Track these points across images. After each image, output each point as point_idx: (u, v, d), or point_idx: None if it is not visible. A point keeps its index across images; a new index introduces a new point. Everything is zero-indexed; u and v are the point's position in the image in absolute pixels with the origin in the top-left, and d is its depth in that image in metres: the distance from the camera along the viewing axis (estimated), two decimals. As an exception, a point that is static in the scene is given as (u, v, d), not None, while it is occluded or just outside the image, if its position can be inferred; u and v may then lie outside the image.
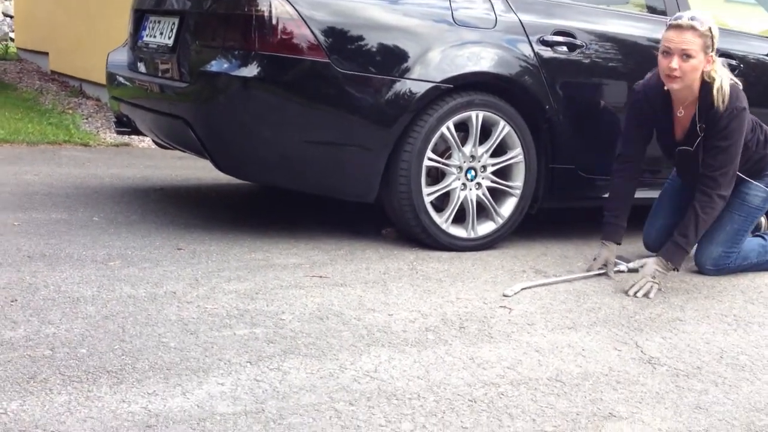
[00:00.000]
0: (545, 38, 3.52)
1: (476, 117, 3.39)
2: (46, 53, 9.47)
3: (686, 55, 2.98)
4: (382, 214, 3.52)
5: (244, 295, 2.66)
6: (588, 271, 3.24)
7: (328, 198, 3.70)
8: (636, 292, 3.00)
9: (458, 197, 3.42)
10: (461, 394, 2.07)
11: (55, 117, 6.74)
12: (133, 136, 6.05)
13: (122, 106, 4.04)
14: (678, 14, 3.12)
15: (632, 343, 2.53)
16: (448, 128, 3.34)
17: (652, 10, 4.00)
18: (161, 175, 4.92)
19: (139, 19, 3.94)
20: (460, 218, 3.46)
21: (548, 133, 3.56)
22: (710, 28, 2.98)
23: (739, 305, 3.01)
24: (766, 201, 3.39)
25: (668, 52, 3.01)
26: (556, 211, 3.99)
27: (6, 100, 7.42)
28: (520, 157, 3.50)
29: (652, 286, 3.03)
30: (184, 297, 2.61)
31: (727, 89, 3.03)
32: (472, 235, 3.48)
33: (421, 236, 3.42)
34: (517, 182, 3.53)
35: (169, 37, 3.55)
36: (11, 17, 12.75)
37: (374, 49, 3.27)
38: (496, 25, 3.44)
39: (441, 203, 3.45)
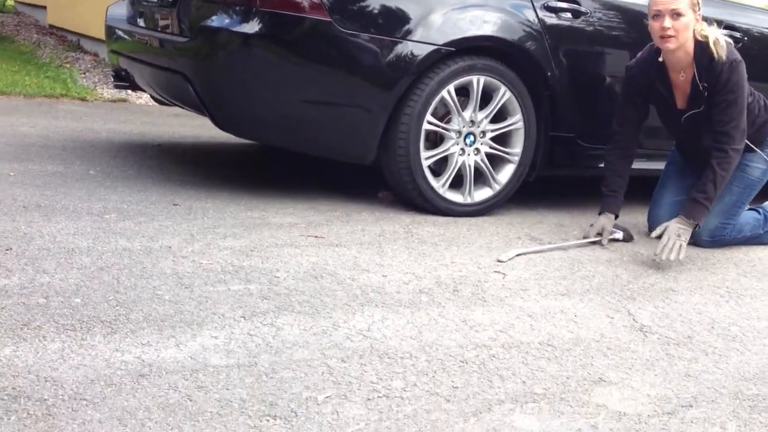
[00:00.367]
0: (549, 4, 3.49)
1: (477, 82, 3.37)
2: (44, 7, 9.38)
3: (676, 14, 3.02)
4: (380, 176, 3.51)
5: (239, 252, 2.66)
6: (584, 238, 3.25)
7: (326, 159, 3.69)
8: (665, 254, 2.99)
9: (456, 162, 3.41)
10: (453, 355, 2.08)
11: (53, 71, 6.70)
12: (131, 93, 6.03)
13: (121, 60, 4.01)
14: None
15: (624, 311, 2.54)
16: (448, 92, 3.33)
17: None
18: (158, 132, 4.90)
19: (140, -28, 3.90)
20: (457, 183, 3.46)
21: (549, 100, 3.54)
22: None
23: (732, 277, 3.02)
24: (766, 173, 3.39)
25: (658, 15, 3.05)
26: (553, 179, 3.98)
27: (3, 53, 7.36)
28: (520, 124, 3.49)
29: (680, 246, 3.03)
30: (179, 252, 2.61)
31: (722, 42, 3.07)
32: (469, 201, 3.48)
33: (417, 200, 3.41)
34: (516, 149, 3.52)
35: (170, -9, 3.52)
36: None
37: (376, 10, 3.24)
38: (500, -12, 3.41)
39: (439, 168, 3.45)
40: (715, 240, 3.40)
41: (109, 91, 6.24)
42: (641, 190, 3.65)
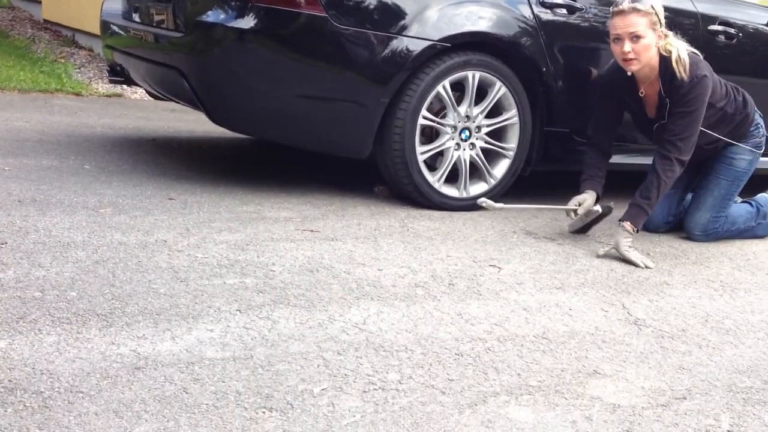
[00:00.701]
0: (545, 0, 3.49)
1: (473, 77, 3.37)
2: (39, 2, 9.35)
3: (635, 37, 3.01)
4: (375, 171, 3.52)
5: (234, 246, 2.67)
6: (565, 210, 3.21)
7: (321, 154, 3.70)
8: (643, 265, 2.97)
9: (452, 157, 3.42)
10: (448, 347, 2.09)
11: (47, 66, 6.68)
12: (125, 88, 6.02)
13: (116, 55, 4.01)
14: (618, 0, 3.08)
15: (619, 304, 2.55)
16: (444, 87, 3.33)
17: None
18: (153, 126, 4.89)
19: (135, -34, 3.89)
20: (452, 178, 3.46)
21: (544, 95, 3.55)
22: (652, 6, 3.01)
23: (726, 271, 3.04)
24: (752, 163, 3.42)
25: (618, 38, 3.05)
26: (548, 174, 3.99)
27: (-2, 48, 7.34)
28: (515, 119, 3.50)
29: (637, 256, 3.00)
30: (174, 245, 2.61)
31: (685, 58, 3.06)
32: (464, 195, 3.49)
33: (413, 194, 3.42)
34: (511, 144, 3.53)
35: (165, -14, 3.51)
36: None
37: (372, 6, 3.24)
38: (495, -16, 3.42)
39: (434, 162, 3.45)
40: (708, 234, 3.42)
41: (104, 86, 6.23)
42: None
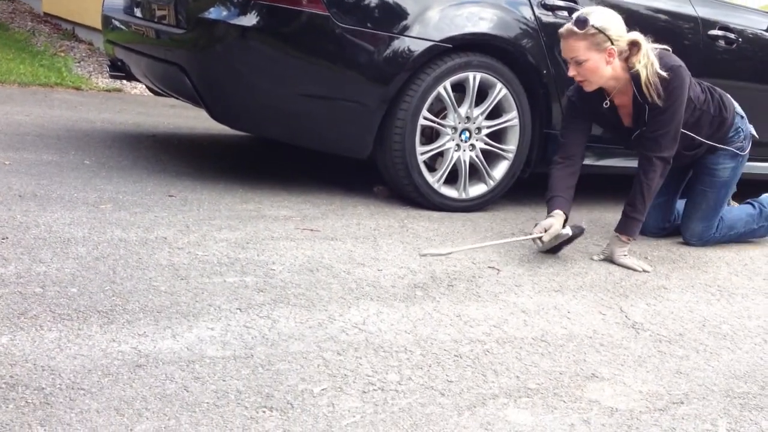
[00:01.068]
0: (546, 2, 3.51)
1: (473, 78, 3.38)
2: (39, -6, 9.34)
3: (577, 62, 2.89)
4: (375, 171, 3.52)
5: (234, 244, 2.67)
6: (527, 234, 3.04)
7: (322, 153, 3.70)
8: (639, 269, 2.98)
9: (451, 158, 3.42)
10: (447, 349, 2.09)
11: (47, 59, 6.67)
12: (125, 83, 6.02)
13: (117, 50, 4.01)
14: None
15: (617, 308, 2.56)
16: (444, 88, 3.34)
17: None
18: (153, 122, 4.89)
19: (137, -38, 3.89)
20: (452, 179, 3.47)
21: (544, 98, 3.56)
22: (594, 26, 2.84)
23: (723, 276, 3.05)
24: (736, 169, 3.33)
25: (566, 61, 2.96)
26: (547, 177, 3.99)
27: (-3, 40, 7.33)
28: (515, 121, 3.51)
29: (633, 262, 3.01)
30: (175, 243, 2.61)
31: (654, 79, 2.90)
32: (464, 196, 3.50)
33: (412, 195, 3.43)
34: (511, 146, 3.54)
35: (168, -18, 3.51)
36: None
37: (374, 5, 3.25)
38: (497, -15, 3.42)
39: (434, 163, 3.46)
40: (706, 241, 3.43)
41: (104, 81, 6.23)
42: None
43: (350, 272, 2.55)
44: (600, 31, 2.86)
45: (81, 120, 4.63)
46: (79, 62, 6.85)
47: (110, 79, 6.00)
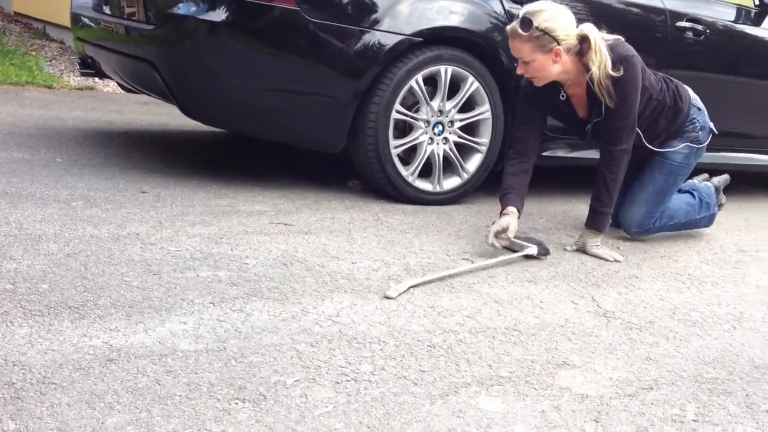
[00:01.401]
0: (517, -5, 3.52)
1: (445, 72, 3.39)
2: (9, -7, 9.23)
3: (524, 62, 2.86)
4: (349, 165, 3.53)
5: (208, 239, 2.67)
6: (489, 244, 2.89)
7: (295, 147, 3.70)
8: (611, 259, 3.00)
9: (425, 151, 3.44)
10: (421, 339, 2.11)
11: (18, 58, 6.61)
12: (97, 81, 5.98)
13: (87, 47, 3.99)
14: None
15: (589, 297, 2.58)
16: (416, 82, 3.35)
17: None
18: (125, 120, 4.86)
19: (107, -42, 3.86)
20: (426, 172, 3.48)
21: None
22: (538, 28, 2.77)
23: (694, 265, 3.09)
24: (690, 157, 3.26)
25: (516, 59, 2.94)
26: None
27: (-34, 39, 7.25)
28: (488, 114, 3.53)
29: (605, 252, 3.03)
30: (147, 239, 2.60)
31: (606, 82, 2.86)
32: (438, 189, 3.51)
33: (386, 188, 3.44)
34: (484, 139, 3.55)
35: (137, -22, 3.49)
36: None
37: (345, 0, 3.25)
38: (468, -21, 3.43)
39: (408, 157, 3.47)
40: (645, 230, 3.32)
41: (75, 79, 6.18)
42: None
43: (324, 265, 2.56)
44: (545, 32, 2.79)
45: (52, 118, 4.59)
46: (50, 61, 6.79)
47: (82, 78, 5.96)
